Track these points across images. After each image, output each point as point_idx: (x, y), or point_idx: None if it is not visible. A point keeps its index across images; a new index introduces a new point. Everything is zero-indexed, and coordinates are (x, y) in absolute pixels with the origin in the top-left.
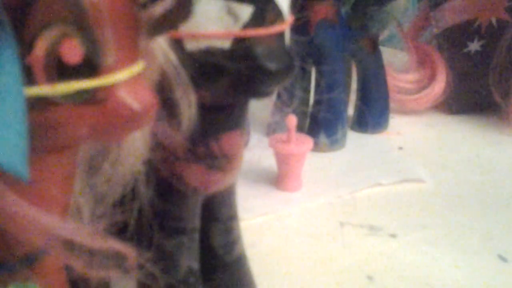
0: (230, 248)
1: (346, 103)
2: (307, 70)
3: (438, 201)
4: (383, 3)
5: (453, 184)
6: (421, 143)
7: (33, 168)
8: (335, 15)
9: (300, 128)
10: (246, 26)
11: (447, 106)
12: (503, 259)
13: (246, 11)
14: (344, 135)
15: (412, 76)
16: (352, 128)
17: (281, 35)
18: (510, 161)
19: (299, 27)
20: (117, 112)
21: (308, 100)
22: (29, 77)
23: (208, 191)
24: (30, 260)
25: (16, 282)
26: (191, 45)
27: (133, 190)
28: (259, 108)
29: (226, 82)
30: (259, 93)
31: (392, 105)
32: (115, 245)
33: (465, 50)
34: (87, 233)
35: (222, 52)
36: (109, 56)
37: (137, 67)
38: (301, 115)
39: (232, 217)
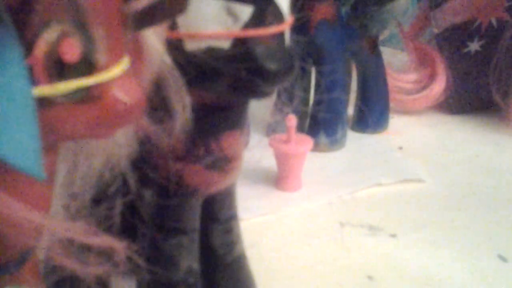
0: (230, 248)
1: (346, 103)
2: (307, 70)
3: (438, 201)
4: (383, 3)
5: (453, 184)
6: (421, 143)
7: None
8: (335, 15)
9: (300, 128)
10: (246, 26)
11: (447, 106)
12: (503, 259)
13: (246, 11)
14: (344, 135)
15: (412, 76)
16: (352, 128)
17: (281, 35)
18: (510, 161)
19: (299, 27)
20: (112, 108)
21: (308, 100)
22: (30, 78)
23: (208, 191)
24: (21, 262)
25: (12, 285)
26: (191, 45)
27: (124, 187)
28: (259, 108)
29: (226, 82)
30: (259, 94)
31: (392, 105)
32: (107, 240)
33: (465, 50)
34: (82, 231)
35: (222, 52)
36: (104, 53)
37: (125, 62)
38: (301, 115)
39: (232, 217)
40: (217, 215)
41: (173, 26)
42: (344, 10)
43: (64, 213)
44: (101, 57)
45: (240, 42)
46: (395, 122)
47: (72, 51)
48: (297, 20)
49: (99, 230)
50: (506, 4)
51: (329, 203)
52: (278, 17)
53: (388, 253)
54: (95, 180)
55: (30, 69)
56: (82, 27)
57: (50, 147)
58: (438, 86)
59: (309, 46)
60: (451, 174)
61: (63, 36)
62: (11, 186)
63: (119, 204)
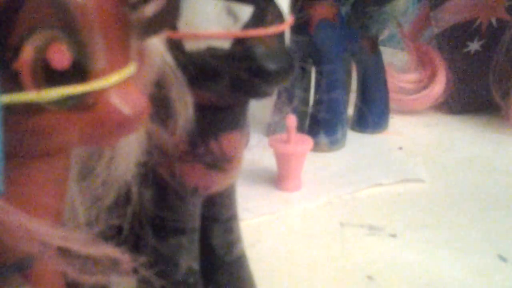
0: (230, 248)
1: (346, 103)
2: (307, 70)
3: (438, 201)
4: (383, 3)
5: (453, 184)
6: (421, 143)
7: (22, 173)
8: (335, 15)
9: (300, 128)
10: (246, 26)
11: (447, 106)
12: (503, 259)
13: (246, 11)
14: (344, 135)
15: (412, 76)
16: (352, 128)
17: (281, 35)
18: (510, 161)
19: (299, 27)
20: (108, 117)
21: (308, 100)
22: (17, 83)
23: (208, 191)
24: (24, 266)
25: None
26: (190, 45)
27: (130, 192)
28: (259, 108)
29: (226, 82)
30: (259, 94)
31: (392, 105)
32: (109, 250)
33: (465, 50)
34: (79, 239)
35: (221, 52)
36: (99, 60)
37: (128, 70)
38: (301, 115)
39: (232, 217)
40: (217, 215)
41: (173, 26)
42: (344, 10)
43: (84, 218)
44: (96, 63)
45: (240, 42)
46: (395, 122)
47: (60, 57)
48: (297, 20)
49: (102, 238)
50: (506, 4)
51: (329, 203)
52: (278, 17)
53: (388, 253)
54: (116, 185)
55: (17, 74)
56: (72, 32)
57: (52, 154)
58: (438, 86)
59: (309, 46)
60: (451, 174)
61: (51, 41)
62: (18, 191)
63: (131, 209)
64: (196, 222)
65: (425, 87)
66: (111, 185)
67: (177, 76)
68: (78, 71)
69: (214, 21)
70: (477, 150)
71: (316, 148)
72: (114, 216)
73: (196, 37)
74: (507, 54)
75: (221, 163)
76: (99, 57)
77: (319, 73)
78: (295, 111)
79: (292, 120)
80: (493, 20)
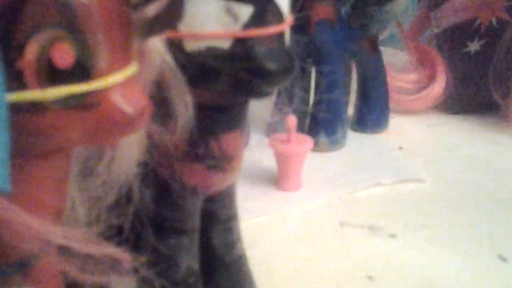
0: (230, 248)
1: (346, 103)
2: (307, 70)
3: (438, 201)
4: (383, 3)
5: (453, 184)
6: (421, 143)
7: (24, 172)
8: (335, 15)
9: (300, 128)
10: (246, 26)
11: (447, 106)
12: (503, 259)
13: (246, 11)
14: (344, 135)
15: (412, 76)
16: (352, 128)
17: (281, 35)
18: (510, 161)
19: (299, 27)
20: (110, 117)
21: (308, 100)
22: (20, 82)
23: (208, 191)
24: (24, 265)
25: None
26: (190, 45)
27: (130, 192)
28: (259, 108)
29: (226, 82)
30: (259, 93)
31: (392, 105)
32: (109, 250)
33: (465, 50)
34: (80, 238)
35: (221, 52)
36: (102, 60)
37: (130, 70)
38: (301, 115)
39: (232, 217)
40: (217, 215)
41: (173, 26)
42: (344, 10)
43: (85, 218)
44: (99, 63)
45: (240, 42)
46: (395, 122)
47: (64, 56)
48: (297, 20)
49: (102, 238)
50: (506, 4)
51: (329, 203)
52: (278, 17)
53: (388, 253)
54: (116, 185)
55: (20, 73)
56: (76, 32)
57: (54, 153)
58: (438, 86)
59: (309, 46)
60: (451, 174)
61: (55, 40)
62: (20, 190)
63: (131, 209)
64: (196, 222)
65: (425, 87)
66: (112, 185)
67: (177, 76)
68: (81, 70)
69: (214, 21)
70: (477, 150)
71: (316, 148)
72: (115, 215)
73: (196, 37)
74: (507, 54)
75: (221, 163)
76: (102, 56)
77: (319, 73)
78: (295, 111)
79: (292, 120)
80: (493, 20)
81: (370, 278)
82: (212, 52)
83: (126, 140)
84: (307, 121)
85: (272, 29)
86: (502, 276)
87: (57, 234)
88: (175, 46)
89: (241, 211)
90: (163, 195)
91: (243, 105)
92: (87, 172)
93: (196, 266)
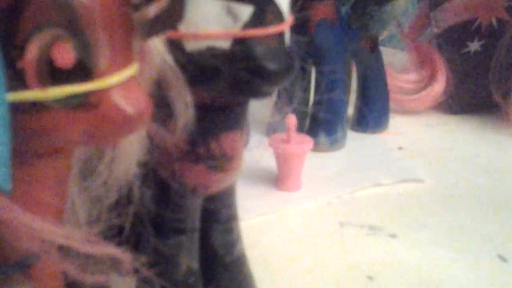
0: (230, 248)
1: (346, 103)
2: (307, 70)
3: (438, 201)
4: (383, 3)
5: (453, 184)
6: (421, 143)
7: (25, 172)
8: (335, 15)
9: (300, 128)
10: (246, 26)
11: (447, 106)
12: (503, 259)
13: (246, 11)
14: (344, 135)
15: (412, 76)
16: (352, 128)
17: (281, 35)
18: (510, 161)
19: (299, 27)
20: (111, 116)
21: (308, 100)
22: (21, 81)
23: (208, 191)
24: (25, 265)
25: (11, 286)
26: (190, 45)
27: (130, 192)
28: (259, 108)
29: (226, 82)
30: (259, 93)
31: (392, 105)
32: (110, 250)
33: (465, 50)
34: (81, 238)
35: (221, 52)
36: (102, 60)
37: (131, 70)
38: (301, 115)
39: (232, 217)
40: (217, 215)
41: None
42: (344, 10)
43: (85, 218)
44: (99, 63)
45: (240, 42)
46: (395, 122)
47: (65, 56)
48: (297, 20)
49: (102, 237)
50: (506, 4)
51: (329, 203)
52: (278, 17)
53: (388, 253)
54: (117, 185)
55: (21, 73)
56: (77, 32)
57: (54, 153)
58: (438, 86)
59: (309, 46)
60: (451, 174)
61: (56, 40)
62: (21, 189)
63: (131, 209)
64: (196, 222)
65: (425, 87)
66: (112, 185)
67: (177, 76)
68: (82, 70)
69: (214, 21)
70: (477, 150)
71: (316, 148)
72: (115, 215)
73: (196, 37)
74: (507, 54)
75: (221, 163)
76: (103, 56)
77: (319, 73)
78: (295, 111)
79: (292, 120)
80: (493, 20)
81: (370, 278)
82: (212, 52)
83: (126, 140)
84: (307, 121)
85: (272, 29)
86: (502, 276)
87: (58, 234)
88: (175, 46)
89: (241, 211)
90: (163, 195)
91: (243, 105)
92: (87, 172)
93: (196, 266)
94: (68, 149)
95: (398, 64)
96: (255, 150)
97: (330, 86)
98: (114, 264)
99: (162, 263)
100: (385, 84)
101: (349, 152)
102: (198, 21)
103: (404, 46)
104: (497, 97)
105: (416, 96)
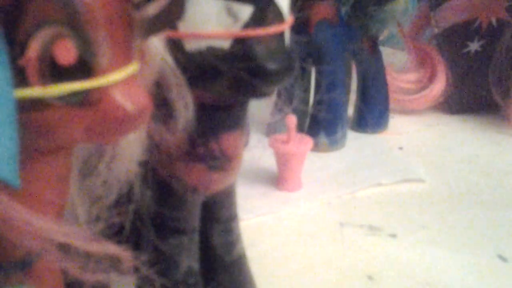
0: (230, 248)
1: (346, 103)
2: (307, 70)
3: (438, 201)
4: (383, 3)
5: (453, 184)
6: (421, 143)
7: (27, 170)
8: (335, 15)
9: (300, 128)
10: (246, 26)
11: (447, 106)
12: (503, 259)
13: (246, 11)
14: (344, 135)
15: (412, 76)
16: (352, 128)
17: (281, 35)
18: (510, 161)
19: (299, 27)
20: (111, 114)
21: (308, 100)
22: (22, 79)
23: (208, 191)
24: (25, 264)
25: (11, 285)
26: (190, 45)
27: (130, 191)
28: (259, 108)
29: (226, 82)
30: (259, 93)
31: (392, 105)
32: (111, 248)
33: (465, 50)
34: (82, 236)
35: (221, 52)
36: (103, 57)
37: (131, 68)
38: (301, 115)
39: (232, 217)
40: (217, 215)
41: (173, 26)
42: (344, 10)
43: (85, 217)
44: (100, 60)
45: (240, 42)
46: (395, 122)
47: (66, 53)
48: (297, 20)
49: (102, 236)
50: (506, 4)
51: (329, 203)
52: (278, 17)
53: (388, 253)
54: (117, 184)
55: (22, 70)
56: (78, 29)
57: (55, 151)
58: (438, 86)
59: (309, 46)
60: (451, 174)
61: (57, 37)
62: (23, 187)
63: (131, 208)
64: (196, 222)
65: (425, 87)
66: (112, 184)
67: (177, 76)
68: (83, 68)
69: (214, 21)
70: (477, 150)
71: (316, 148)
72: (115, 214)
73: (196, 37)
74: (507, 54)
75: (221, 163)
76: (104, 54)
77: (319, 73)
78: (295, 111)
79: (292, 120)
80: (493, 20)
81: (370, 278)
82: (212, 52)
83: (126, 139)
84: (307, 121)
85: (272, 29)
86: (502, 276)
87: (58, 232)
88: (175, 46)
89: (241, 211)
90: (163, 194)
91: (243, 105)
92: (88, 171)
93: (196, 266)
94: (70, 147)
95: (398, 64)
96: (255, 150)
97: (330, 86)
98: (114, 263)
99: (162, 262)
100: (385, 84)
101: (349, 152)
102: (198, 21)
103: (404, 46)
104: (497, 97)
105: (416, 96)
